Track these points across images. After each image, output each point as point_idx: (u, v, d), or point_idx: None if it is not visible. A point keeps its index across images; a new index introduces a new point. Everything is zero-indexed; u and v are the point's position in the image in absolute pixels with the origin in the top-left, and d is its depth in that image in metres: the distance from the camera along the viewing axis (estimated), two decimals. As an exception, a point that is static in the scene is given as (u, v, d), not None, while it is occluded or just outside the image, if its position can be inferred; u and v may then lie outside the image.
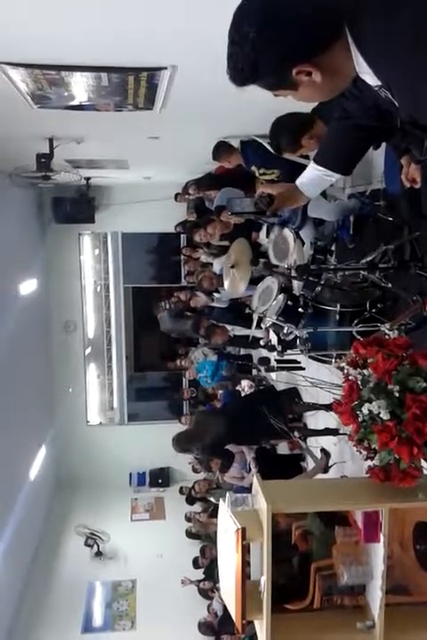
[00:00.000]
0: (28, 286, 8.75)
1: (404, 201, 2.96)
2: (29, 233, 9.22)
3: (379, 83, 1.26)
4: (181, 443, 5.34)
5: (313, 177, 1.97)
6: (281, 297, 3.70)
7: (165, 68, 3.25)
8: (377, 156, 3.51)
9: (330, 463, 4.46)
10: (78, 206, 9.43)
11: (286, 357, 4.08)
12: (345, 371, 2.20)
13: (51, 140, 5.25)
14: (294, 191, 2.04)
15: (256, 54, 1.18)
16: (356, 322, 3.27)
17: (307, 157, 3.95)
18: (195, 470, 8.57)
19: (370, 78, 1.26)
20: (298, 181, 2.02)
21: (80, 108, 4.04)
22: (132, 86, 3.56)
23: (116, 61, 3.20)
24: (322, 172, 1.94)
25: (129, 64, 3.23)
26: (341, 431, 4.09)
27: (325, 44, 1.19)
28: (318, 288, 3.32)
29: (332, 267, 3.35)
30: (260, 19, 1.16)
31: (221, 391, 7.59)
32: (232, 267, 4.74)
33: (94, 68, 3.27)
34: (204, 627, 6.91)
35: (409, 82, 1.16)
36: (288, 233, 4.32)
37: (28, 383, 8.51)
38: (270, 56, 1.19)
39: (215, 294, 6.55)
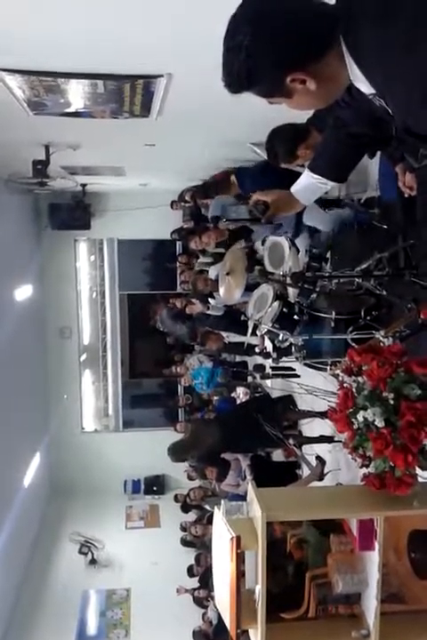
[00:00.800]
0: (23, 292, 8.73)
1: (399, 209, 2.98)
2: (25, 239, 9.21)
3: (373, 91, 1.26)
4: (177, 452, 5.33)
5: (308, 184, 1.98)
6: (276, 304, 3.70)
7: (162, 76, 3.26)
8: (372, 164, 3.52)
9: (325, 471, 4.44)
10: (74, 213, 9.43)
11: (281, 365, 4.08)
12: (340, 378, 2.20)
13: (47, 147, 5.25)
14: (288, 198, 2.05)
15: (250, 61, 1.18)
16: (351, 329, 3.28)
17: (303, 167, 3.96)
18: (190, 478, 8.54)
19: (364, 86, 1.27)
20: (293, 188, 2.03)
21: (76, 114, 4.05)
22: (129, 94, 3.57)
23: (113, 69, 3.21)
24: (317, 179, 1.94)
25: (125, 72, 3.24)
26: (336, 439, 4.08)
27: (319, 52, 1.19)
28: (314, 295, 3.32)
29: (327, 274, 3.36)
30: (254, 26, 1.16)
31: (216, 398, 7.58)
32: (228, 274, 4.74)
33: (90, 76, 3.28)
34: (198, 635, 6.88)
35: (403, 90, 1.16)
36: (284, 240, 4.33)
37: (22, 389, 8.48)
38: (264, 63, 1.19)
39: (211, 301, 6.55)
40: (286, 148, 3.12)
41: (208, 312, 6.68)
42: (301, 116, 2.97)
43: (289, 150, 3.11)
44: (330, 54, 1.20)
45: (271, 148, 3.24)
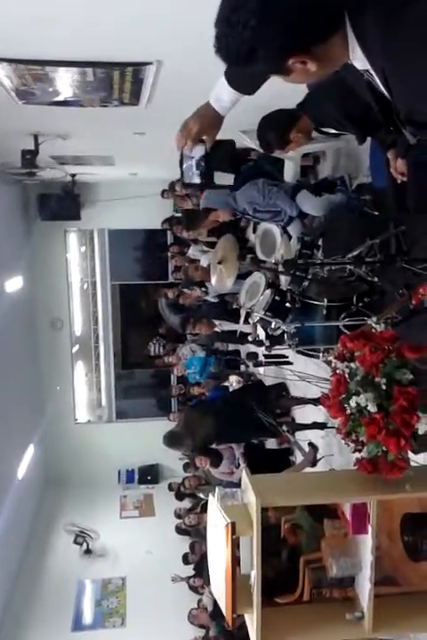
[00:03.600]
0: (13, 284, 8.68)
1: (390, 195, 2.98)
2: (15, 230, 9.14)
3: (367, 67, 1.24)
4: (173, 441, 5.36)
5: (223, 94, 1.90)
6: (268, 292, 3.71)
7: (151, 64, 3.23)
8: (363, 151, 3.53)
9: (318, 457, 4.48)
10: (64, 203, 9.36)
11: (273, 352, 4.09)
12: (333, 364, 2.21)
13: (36, 137, 5.20)
14: (212, 117, 1.92)
15: (254, 42, 1.14)
16: (343, 316, 3.29)
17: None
18: (186, 468, 8.56)
19: (359, 63, 1.25)
20: (213, 101, 1.93)
21: (65, 103, 4.01)
22: (118, 81, 3.54)
23: (102, 56, 3.18)
24: (234, 92, 1.88)
25: (114, 59, 3.21)
26: (329, 425, 4.11)
27: (325, 35, 1.16)
28: (306, 283, 3.33)
29: (319, 261, 3.36)
30: (262, 4, 1.11)
31: (207, 394, 7.57)
32: (219, 262, 4.75)
33: (79, 64, 3.25)
34: (192, 617, 6.92)
35: (411, 79, 1.14)
36: (275, 228, 4.33)
37: (14, 381, 8.45)
38: (269, 46, 1.15)
39: (208, 286, 6.54)
40: (278, 135, 3.09)
41: (206, 298, 6.67)
42: (292, 98, 2.93)
43: (281, 136, 3.07)
44: (335, 36, 1.17)
45: (263, 137, 3.20)
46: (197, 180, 1.88)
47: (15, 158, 5.41)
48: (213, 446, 5.84)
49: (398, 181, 2.55)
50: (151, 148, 6.20)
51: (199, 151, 1.84)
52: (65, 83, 3.56)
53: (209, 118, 1.90)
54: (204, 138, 1.89)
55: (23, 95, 3.79)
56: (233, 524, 2.11)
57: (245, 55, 1.17)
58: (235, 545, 2.14)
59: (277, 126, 3.08)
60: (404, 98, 1.23)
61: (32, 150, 5.25)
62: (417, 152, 2.20)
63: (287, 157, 3.70)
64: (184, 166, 1.88)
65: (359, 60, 1.23)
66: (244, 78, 1.86)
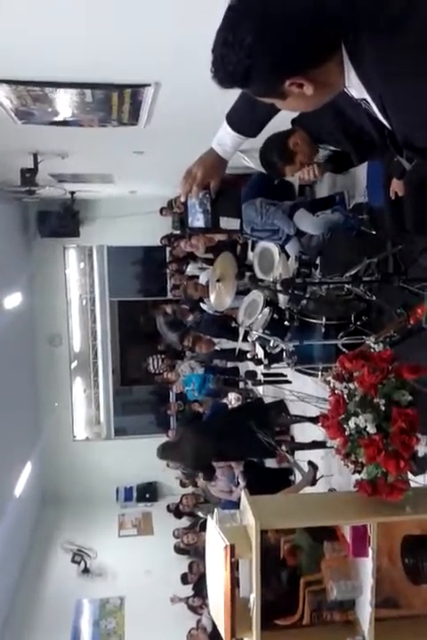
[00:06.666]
0: (12, 300, 8.68)
1: (387, 215, 3.00)
2: (14, 247, 9.17)
3: (364, 97, 1.24)
4: (166, 453, 5.35)
5: (226, 137, 1.91)
6: (267, 310, 3.71)
7: (149, 85, 3.26)
8: (360, 170, 3.55)
9: (317, 476, 4.45)
10: (63, 220, 9.39)
11: (272, 371, 4.09)
12: (331, 384, 2.20)
13: (35, 155, 5.23)
14: (215, 160, 1.92)
15: (251, 62, 1.13)
16: (341, 334, 3.29)
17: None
18: (183, 485, 8.52)
19: (356, 92, 1.25)
20: (214, 144, 1.94)
21: (64, 123, 4.04)
22: (116, 102, 3.57)
23: (100, 78, 3.21)
24: (236, 135, 1.89)
25: (113, 81, 3.24)
26: (328, 444, 4.09)
27: (322, 58, 1.16)
28: (304, 301, 3.33)
29: (317, 280, 3.37)
30: (258, 24, 1.10)
31: (206, 405, 7.56)
32: (218, 280, 4.75)
33: (78, 85, 3.28)
34: (191, 637, 6.83)
35: (409, 107, 1.15)
36: (273, 247, 4.35)
37: (12, 398, 8.41)
38: (265, 66, 1.14)
39: (205, 302, 6.54)
40: (279, 149, 3.05)
41: (204, 307, 6.65)
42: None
43: (282, 149, 3.03)
44: (331, 60, 1.16)
45: (267, 159, 3.18)
46: (201, 224, 1.91)
47: (15, 176, 5.44)
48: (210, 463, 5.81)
49: (393, 197, 2.55)
50: (150, 166, 6.23)
51: (204, 196, 1.86)
52: (64, 103, 3.59)
53: (212, 163, 1.90)
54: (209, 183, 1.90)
55: (23, 115, 3.82)
56: (232, 547, 2.09)
57: (241, 75, 1.16)
58: (234, 567, 2.12)
59: (274, 142, 3.08)
60: (402, 123, 1.23)
61: (31, 169, 5.28)
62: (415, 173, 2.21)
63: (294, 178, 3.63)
64: (189, 212, 1.90)
65: (355, 88, 1.23)
66: (246, 120, 1.86)
